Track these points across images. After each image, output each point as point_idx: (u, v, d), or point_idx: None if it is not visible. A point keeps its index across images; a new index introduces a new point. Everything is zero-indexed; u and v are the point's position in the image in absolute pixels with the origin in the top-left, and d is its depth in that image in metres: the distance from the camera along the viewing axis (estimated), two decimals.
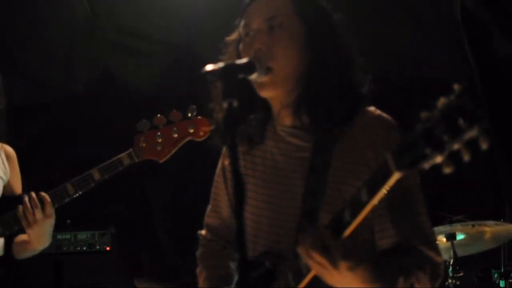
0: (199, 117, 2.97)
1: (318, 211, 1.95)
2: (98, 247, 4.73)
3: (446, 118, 1.36)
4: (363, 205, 1.65)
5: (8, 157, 3.23)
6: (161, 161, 3.05)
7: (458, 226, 4.05)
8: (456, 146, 1.36)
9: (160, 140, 3.01)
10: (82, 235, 4.74)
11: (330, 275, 1.78)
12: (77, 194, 3.00)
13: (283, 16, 2.03)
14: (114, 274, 4.75)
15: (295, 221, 2.01)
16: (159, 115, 3.00)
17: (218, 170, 2.32)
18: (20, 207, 2.94)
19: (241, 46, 2.08)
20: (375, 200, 1.63)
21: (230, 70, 1.77)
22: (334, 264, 1.74)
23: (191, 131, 2.97)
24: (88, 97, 5.15)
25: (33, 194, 2.94)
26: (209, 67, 1.73)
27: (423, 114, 1.40)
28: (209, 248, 2.36)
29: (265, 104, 2.13)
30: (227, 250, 2.30)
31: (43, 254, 4.49)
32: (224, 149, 2.27)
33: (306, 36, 2.03)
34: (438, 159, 1.39)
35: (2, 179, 3.15)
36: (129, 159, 3.01)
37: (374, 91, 2.04)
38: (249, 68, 1.87)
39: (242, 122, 2.14)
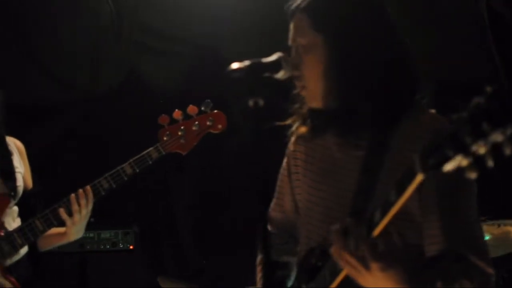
0: (215, 111, 3.22)
1: (366, 211, 1.94)
2: (121, 246, 4.76)
3: (472, 121, 1.34)
4: (391, 205, 1.64)
5: (19, 151, 3.29)
6: (185, 153, 3.26)
7: (483, 227, 4.01)
8: (481, 150, 1.33)
9: (182, 134, 3.21)
10: (106, 234, 4.77)
11: (362, 276, 1.78)
12: (111, 189, 3.15)
13: (302, 37, 2.05)
14: (137, 273, 4.77)
15: (343, 219, 1.99)
16: (177, 110, 3.21)
17: (284, 164, 2.37)
18: (63, 206, 3.08)
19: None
20: (403, 200, 1.61)
21: (256, 68, 1.76)
22: (365, 265, 1.73)
23: (210, 124, 3.21)
24: (113, 97, 5.17)
25: (81, 192, 3.08)
26: (235, 65, 1.74)
27: (454, 116, 1.39)
28: (272, 241, 2.39)
29: None
30: (288, 244, 2.34)
31: (66, 253, 4.54)
32: (292, 140, 2.31)
33: (331, 50, 2.02)
34: (464, 162, 1.36)
35: (20, 172, 3.18)
36: (156, 152, 3.20)
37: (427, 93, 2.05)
38: (275, 66, 1.88)
39: (305, 115, 2.18)
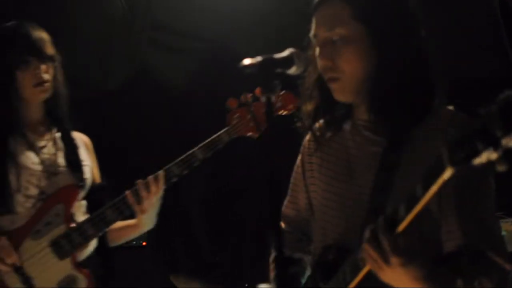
0: (283, 91, 3.14)
1: (384, 208, 1.93)
2: (134, 242, 4.77)
3: (502, 113, 1.32)
4: (417, 200, 1.63)
5: (86, 145, 3.32)
6: (256, 136, 3.24)
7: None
8: (510, 143, 1.32)
9: (252, 116, 3.20)
10: None
11: (383, 271, 1.77)
12: (181, 174, 3.13)
13: (342, 26, 2.02)
14: (150, 270, 4.78)
15: (361, 216, 2.00)
16: (245, 93, 3.19)
17: (298, 161, 2.36)
18: (130, 193, 3.06)
19: (316, 54, 2.10)
20: (429, 196, 1.60)
21: (268, 64, 1.75)
22: (386, 259, 1.73)
23: (280, 105, 3.15)
24: (124, 93, 5.18)
25: (151, 179, 3.06)
26: (247, 61, 1.73)
27: (482, 110, 1.37)
28: (284, 239, 2.38)
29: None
30: (302, 242, 2.34)
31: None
32: (306, 137, 2.31)
33: (370, 41, 2.01)
34: (493, 156, 1.35)
35: (88, 165, 3.23)
36: (227, 136, 3.18)
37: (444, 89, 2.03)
38: (287, 62, 1.86)
39: (328, 111, 2.17)
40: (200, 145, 3.16)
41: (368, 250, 1.76)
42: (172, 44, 5.24)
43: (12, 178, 2.99)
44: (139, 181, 3.09)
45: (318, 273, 2.11)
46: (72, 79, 3.13)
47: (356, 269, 1.88)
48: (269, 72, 1.74)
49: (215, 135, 3.18)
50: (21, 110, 3.10)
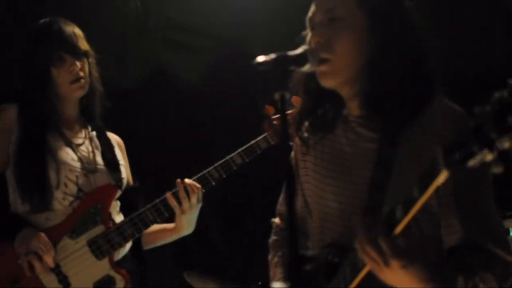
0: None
1: (382, 205, 1.91)
2: None
3: (496, 114, 1.31)
4: (414, 201, 1.62)
5: (119, 146, 3.32)
6: (292, 143, 3.29)
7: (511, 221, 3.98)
8: (506, 145, 1.31)
9: (289, 124, 3.25)
10: None
11: (383, 273, 1.76)
12: (220, 178, 3.16)
13: (342, 7, 2.02)
14: (163, 266, 4.78)
15: (359, 213, 1.99)
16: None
17: (291, 158, 2.34)
18: (171, 194, 3.06)
19: (307, 40, 2.08)
20: (426, 197, 1.59)
21: (281, 61, 1.74)
22: (386, 262, 1.71)
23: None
24: (139, 92, 5.19)
25: (188, 181, 3.07)
26: (261, 58, 1.71)
27: (476, 110, 1.36)
28: (281, 236, 2.38)
29: (337, 94, 2.12)
30: (299, 239, 2.29)
31: None
32: (297, 139, 2.29)
33: (368, 27, 2.01)
34: (488, 157, 1.34)
35: (123, 165, 3.22)
36: (265, 142, 3.23)
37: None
38: (301, 59, 1.86)
39: (313, 112, 2.16)
40: (238, 150, 3.21)
41: (368, 252, 1.74)
42: (186, 43, 5.24)
43: (52, 173, 2.97)
44: (178, 181, 3.09)
45: (316, 273, 2.07)
46: None
47: (356, 269, 1.86)
48: (283, 70, 1.73)
49: (253, 141, 3.23)
50: (58, 108, 3.09)
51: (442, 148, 1.47)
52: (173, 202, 3.07)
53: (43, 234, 2.92)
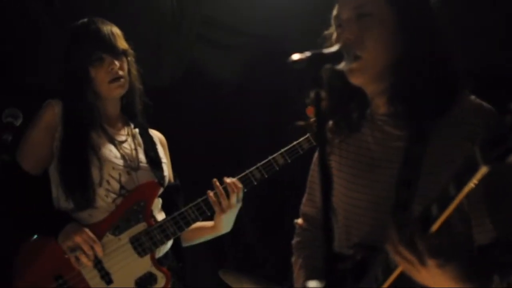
0: None
1: (411, 203, 1.90)
2: None
3: None
4: (450, 199, 1.60)
5: (161, 143, 3.33)
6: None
7: None
8: None
9: None
10: None
11: (418, 273, 1.74)
12: (262, 178, 3.17)
13: (372, 4, 2.00)
14: (199, 264, 4.79)
15: (388, 212, 1.97)
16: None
17: (315, 159, 2.33)
18: (212, 192, 3.07)
19: (334, 38, 2.07)
20: (463, 195, 1.57)
21: (317, 59, 1.72)
22: (422, 261, 1.70)
23: None
24: (175, 91, 5.21)
25: (228, 180, 3.08)
26: (296, 56, 1.70)
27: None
28: (305, 237, 2.37)
29: (361, 92, 2.10)
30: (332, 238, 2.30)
31: None
32: None
33: (398, 24, 2.00)
34: None
35: (165, 163, 3.24)
36: (308, 143, 3.19)
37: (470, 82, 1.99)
38: (336, 57, 1.84)
39: (338, 111, 2.14)
40: (281, 150, 3.21)
41: (401, 253, 1.72)
42: (221, 41, 5.24)
43: (95, 171, 2.99)
44: (214, 180, 3.10)
45: (344, 273, 2.04)
46: None
47: (388, 270, 1.84)
48: (318, 68, 1.72)
49: (296, 142, 3.21)
50: (99, 107, 3.11)
51: (480, 145, 1.45)
52: (214, 201, 3.07)
53: (87, 230, 2.95)
